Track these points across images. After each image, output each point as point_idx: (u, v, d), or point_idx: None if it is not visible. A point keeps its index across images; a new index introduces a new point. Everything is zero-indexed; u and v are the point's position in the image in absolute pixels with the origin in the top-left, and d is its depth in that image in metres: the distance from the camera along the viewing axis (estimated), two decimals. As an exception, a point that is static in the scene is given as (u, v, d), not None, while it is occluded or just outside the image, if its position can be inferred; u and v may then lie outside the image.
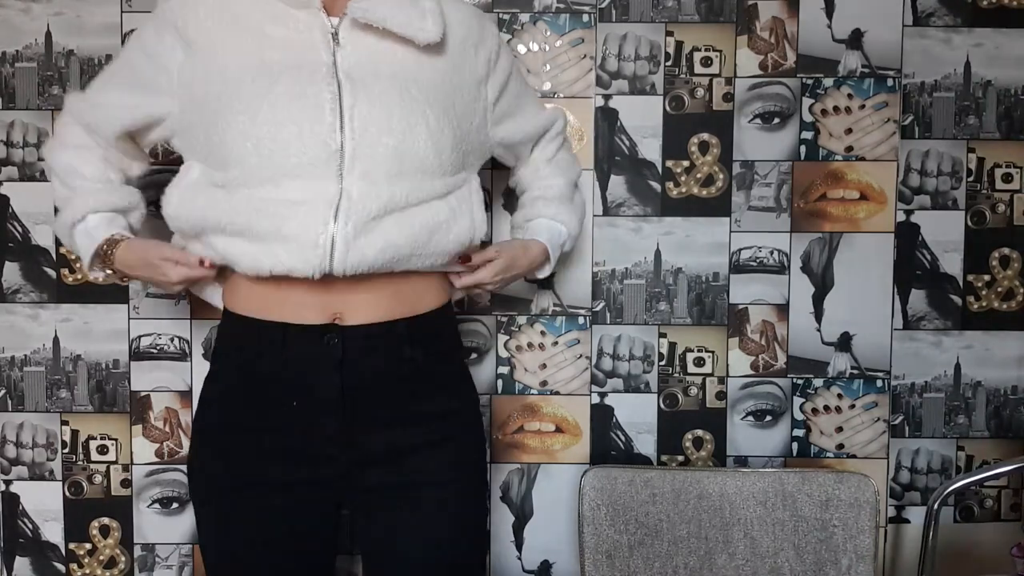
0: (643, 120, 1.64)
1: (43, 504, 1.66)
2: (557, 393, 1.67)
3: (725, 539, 1.57)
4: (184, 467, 1.65)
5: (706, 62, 1.63)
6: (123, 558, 1.67)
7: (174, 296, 1.62)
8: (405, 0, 1.14)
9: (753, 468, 1.61)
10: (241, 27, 1.13)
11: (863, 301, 1.67)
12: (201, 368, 1.64)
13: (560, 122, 1.42)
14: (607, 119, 1.64)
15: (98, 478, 1.66)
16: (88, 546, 1.67)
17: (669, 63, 1.63)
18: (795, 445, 1.69)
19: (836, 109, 1.64)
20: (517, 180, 1.44)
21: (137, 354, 1.64)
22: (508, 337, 1.66)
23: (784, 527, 1.57)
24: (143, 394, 1.65)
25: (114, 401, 1.65)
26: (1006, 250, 1.68)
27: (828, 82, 1.64)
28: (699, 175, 1.65)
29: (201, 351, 1.64)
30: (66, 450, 1.65)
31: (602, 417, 1.68)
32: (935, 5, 1.64)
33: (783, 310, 1.67)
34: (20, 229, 1.62)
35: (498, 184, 1.62)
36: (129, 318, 1.64)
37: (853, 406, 1.69)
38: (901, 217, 1.67)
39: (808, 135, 1.65)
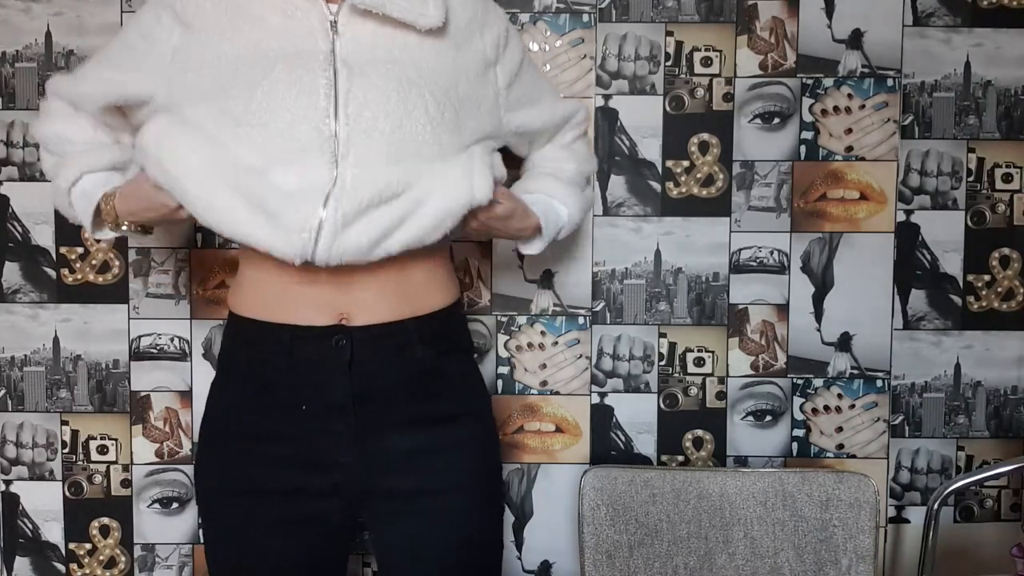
0: (643, 120, 1.64)
1: (43, 504, 1.66)
2: (557, 393, 1.67)
3: (725, 539, 1.57)
4: (184, 467, 1.65)
5: (706, 62, 1.63)
6: (123, 558, 1.67)
7: (174, 296, 1.63)
8: None
9: (753, 468, 1.61)
10: (240, 14, 1.11)
11: (863, 301, 1.67)
12: (201, 368, 1.64)
13: (581, 113, 1.38)
14: (607, 119, 1.64)
15: (98, 478, 1.66)
16: (88, 546, 1.67)
17: (669, 63, 1.63)
18: (795, 445, 1.69)
19: (836, 109, 1.64)
20: (530, 164, 1.38)
21: (137, 354, 1.64)
22: (508, 337, 1.66)
23: (784, 527, 1.57)
24: (143, 394, 1.65)
25: (114, 401, 1.65)
26: (1006, 250, 1.68)
27: (828, 82, 1.64)
28: (699, 175, 1.65)
29: (201, 351, 1.64)
30: (66, 450, 1.65)
31: (602, 417, 1.68)
32: (935, 5, 1.64)
33: (783, 310, 1.67)
34: (20, 229, 1.62)
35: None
36: (129, 318, 1.64)
37: (853, 406, 1.69)
38: (901, 217, 1.67)
39: (808, 135, 1.65)
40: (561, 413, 1.67)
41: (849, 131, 1.65)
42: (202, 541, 1.23)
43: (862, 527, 1.55)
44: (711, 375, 1.68)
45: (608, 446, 1.68)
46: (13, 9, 1.59)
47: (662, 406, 1.68)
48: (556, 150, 1.37)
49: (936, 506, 1.50)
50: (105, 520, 1.67)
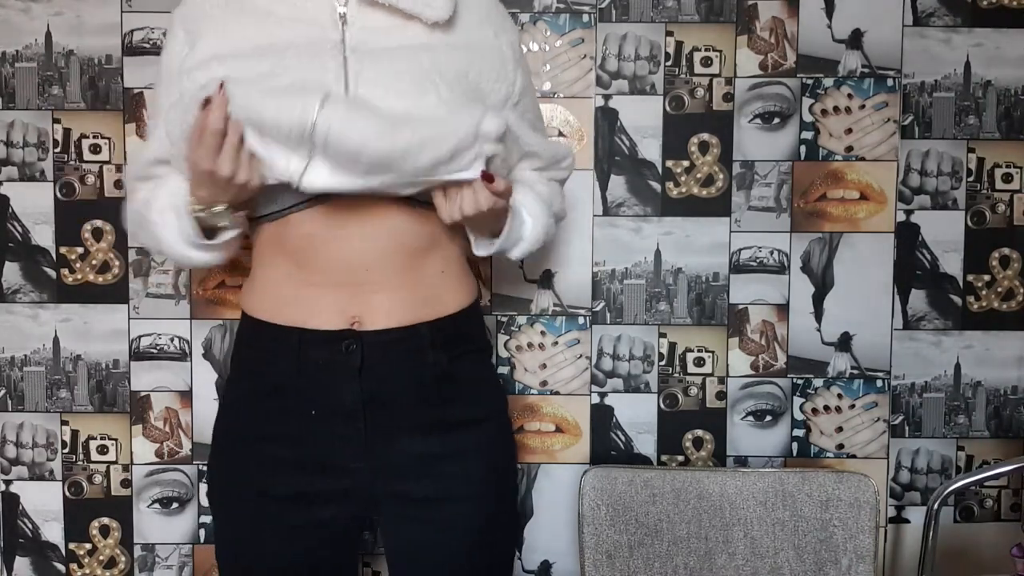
0: (643, 120, 1.64)
1: (43, 504, 1.66)
2: (557, 393, 1.67)
3: (725, 539, 1.57)
4: (184, 467, 1.66)
5: (706, 62, 1.63)
6: (123, 558, 1.67)
7: (174, 296, 1.63)
8: None
9: (753, 468, 1.61)
10: (248, 11, 1.11)
11: (863, 301, 1.67)
12: (201, 368, 1.64)
13: (570, 160, 1.27)
14: (607, 119, 1.64)
15: (98, 478, 1.66)
16: (88, 546, 1.67)
17: (669, 63, 1.63)
18: (795, 445, 1.69)
19: (836, 109, 1.64)
20: None
21: (137, 354, 1.64)
22: (508, 337, 1.66)
23: (784, 527, 1.57)
24: (143, 394, 1.65)
25: (114, 401, 1.65)
26: (1006, 250, 1.68)
27: (828, 82, 1.64)
28: (699, 175, 1.65)
29: (201, 351, 1.64)
30: (66, 450, 1.65)
31: (602, 417, 1.68)
32: (935, 5, 1.64)
33: (783, 310, 1.67)
34: (20, 229, 1.62)
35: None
36: (129, 318, 1.64)
37: (853, 406, 1.69)
38: (901, 217, 1.67)
39: (808, 135, 1.65)
40: (561, 413, 1.67)
41: (849, 131, 1.65)
42: (213, 541, 1.22)
43: (862, 527, 1.55)
44: (711, 375, 1.68)
45: (608, 446, 1.68)
46: (13, 9, 1.59)
47: (662, 406, 1.68)
48: (535, 174, 1.24)
49: (936, 506, 1.50)
50: (105, 520, 1.67)
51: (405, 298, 1.13)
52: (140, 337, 1.64)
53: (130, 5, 1.59)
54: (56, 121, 1.61)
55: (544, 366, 1.67)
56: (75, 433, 1.65)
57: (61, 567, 1.67)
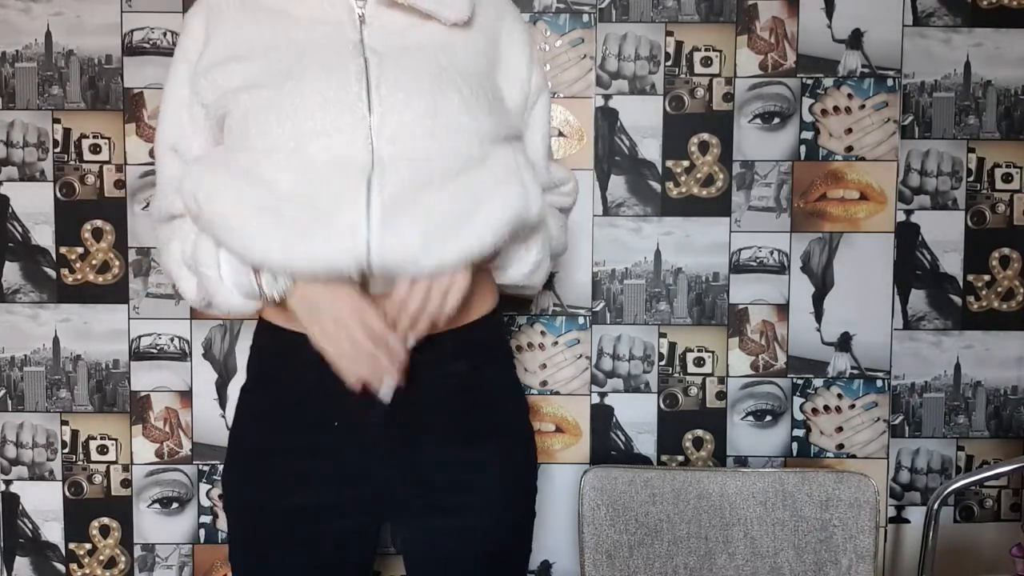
0: (643, 120, 1.64)
1: (43, 504, 1.66)
2: (557, 393, 1.67)
3: (725, 539, 1.57)
4: (184, 467, 1.66)
5: (706, 62, 1.63)
6: (123, 558, 1.67)
7: (174, 296, 1.63)
8: None
9: (753, 468, 1.61)
10: (266, 12, 1.10)
11: (863, 301, 1.67)
12: (201, 368, 1.64)
13: (573, 184, 1.27)
14: (607, 119, 1.64)
15: (98, 478, 1.66)
16: (88, 546, 1.67)
17: (669, 63, 1.63)
18: (795, 445, 1.69)
19: (836, 109, 1.65)
20: None
21: (137, 354, 1.64)
22: (508, 337, 1.66)
23: (784, 527, 1.57)
24: (143, 394, 1.65)
25: (114, 401, 1.65)
26: (1006, 250, 1.68)
27: (828, 82, 1.64)
28: (699, 175, 1.65)
29: (201, 351, 1.64)
30: (66, 450, 1.65)
31: (602, 417, 1.68)
32: (935, 5, 1.64)
33: (783, 310, 1.67)
34: (20, 229, 1.62)
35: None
36: (129, 318, 1.64)
37: (853, 406, 1.69)
38: (901, 217, 1.67)
39: (808, 135, 1.65)
40: (561, 413, 1.67)
41: (849, 131, 1.65)
42: (228, 550, 1.20)
43: (862, 527, 1.55)
44: (711, 375, 1.68)
45: (608, 446, 1.68)
46: (13, 9, 1.59)
47: (662, 406, 1.68)
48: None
49: (936, 506, 1.50)
50: (105, 520, 1.67)
51: None
52: (140, 337, 1.64)
53: (130, 5, 1.59)
54: (56, 121, 1.61)
55: (544, 366, 1.67)
56: (75, 433, 1.65)
57: (61, 567, 1.67)
